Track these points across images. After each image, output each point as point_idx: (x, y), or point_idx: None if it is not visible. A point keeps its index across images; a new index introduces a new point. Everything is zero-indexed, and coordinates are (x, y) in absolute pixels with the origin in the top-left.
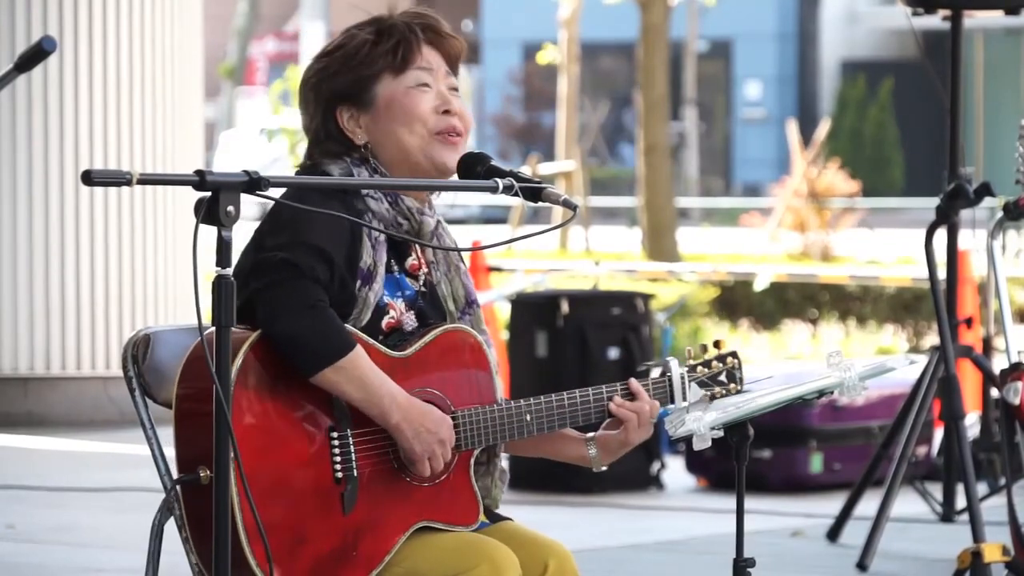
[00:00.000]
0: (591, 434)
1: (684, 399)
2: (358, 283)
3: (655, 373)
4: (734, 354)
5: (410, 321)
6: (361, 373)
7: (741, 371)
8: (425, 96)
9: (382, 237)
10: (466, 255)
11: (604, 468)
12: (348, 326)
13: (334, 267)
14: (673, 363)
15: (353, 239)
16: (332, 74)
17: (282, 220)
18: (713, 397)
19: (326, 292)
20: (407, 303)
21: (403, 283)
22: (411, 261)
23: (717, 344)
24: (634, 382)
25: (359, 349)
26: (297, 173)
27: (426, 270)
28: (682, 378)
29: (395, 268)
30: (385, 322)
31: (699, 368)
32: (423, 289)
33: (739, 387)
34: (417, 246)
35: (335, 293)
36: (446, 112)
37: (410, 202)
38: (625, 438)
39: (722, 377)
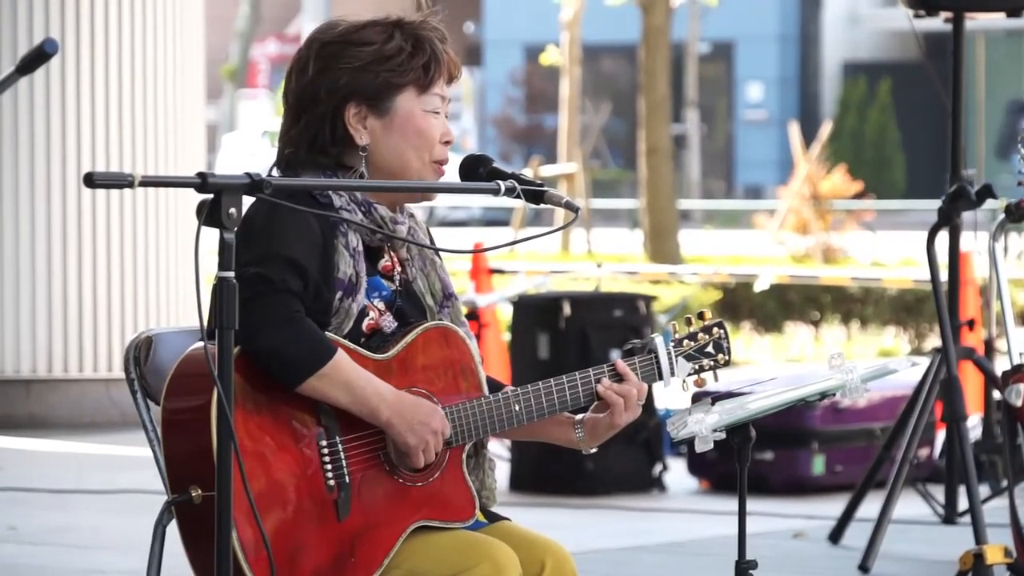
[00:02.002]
0: (580, 416)
1: (672, 375)
2: (339, 294)
3: (642, 352)
4: (720, 324)
5: (389, 323)
6: (345, 377)
7: (728, 341)
8: (436, 123)
9: (360, 247)
10: (468, 257)
11: (593, 451)
12: (329, 334)
13: (307, 277)
14: (658, 340)
15: (326, 247)
16: (358, 68)
17: (254, 232)
18: (701, 369)
19: (301, 302)
20: (385, 303)
21: (378, 284)
22: (384, 263)
23: (701, 316)
24: (620, 363)
25: (341, 354)
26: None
27: (400, 269)
28: (669, 354)
29: (368, 274)
30: (365, 324)
31: (685, 342)
32: (399, 288)
33: (727, 357)
34: (389, 247)
35: (310, 302)
36: (447, 143)
37: (383, 211)
38: (611, 421)
39: (709, 348)
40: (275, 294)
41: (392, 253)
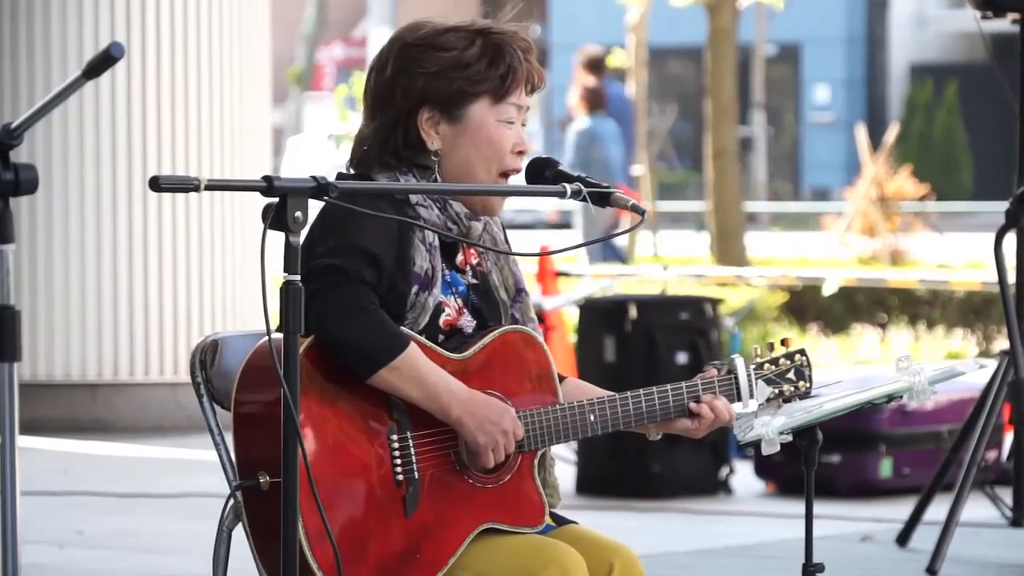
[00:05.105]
0: None
1: (752, 397)
2: (415, 288)
3: (721, 372)
4: (802, 351)
5: (468, 321)
6: (417, 371)
7: (809, 368)
8: (509, 133)
9: (436, 242)
10: (534, 260)
11: (658, 437)
12: (405, 329)
13: (382, 268)
14: (739, 361)
15: (402, 241)
16: (435, 73)
17: (330, 225)
18: (780, 395)
19: (375, 293)
20: (461, 300)
21: (454, 280)
22: (459, 258)
23: (784, 342)
24: (710, 398)
25: (413, 347)
26: (339, 176)
27: (475, 261)
28: (749, 376)
29: (445, 269)
30: (442, 320)
31: (766, 366)
32: (474, 281)
33: (807, 384)
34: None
35: (384, 294)
36: (519, 153)
37: (458, 207)
38: (691, 430)
39: (790, 375)
40: (349, 284)
41: (465, 247)
